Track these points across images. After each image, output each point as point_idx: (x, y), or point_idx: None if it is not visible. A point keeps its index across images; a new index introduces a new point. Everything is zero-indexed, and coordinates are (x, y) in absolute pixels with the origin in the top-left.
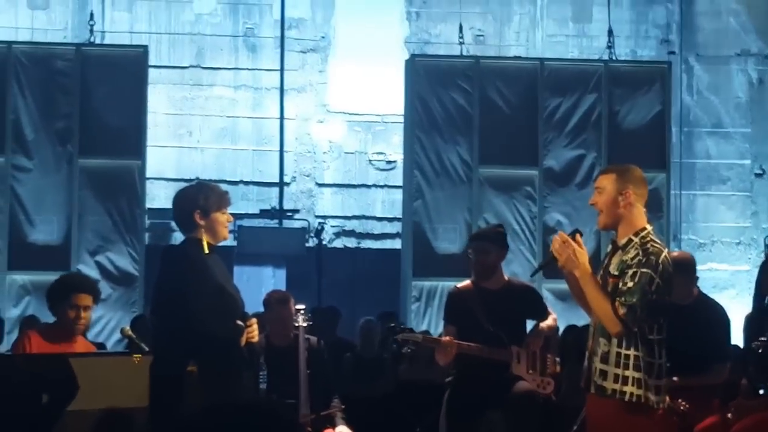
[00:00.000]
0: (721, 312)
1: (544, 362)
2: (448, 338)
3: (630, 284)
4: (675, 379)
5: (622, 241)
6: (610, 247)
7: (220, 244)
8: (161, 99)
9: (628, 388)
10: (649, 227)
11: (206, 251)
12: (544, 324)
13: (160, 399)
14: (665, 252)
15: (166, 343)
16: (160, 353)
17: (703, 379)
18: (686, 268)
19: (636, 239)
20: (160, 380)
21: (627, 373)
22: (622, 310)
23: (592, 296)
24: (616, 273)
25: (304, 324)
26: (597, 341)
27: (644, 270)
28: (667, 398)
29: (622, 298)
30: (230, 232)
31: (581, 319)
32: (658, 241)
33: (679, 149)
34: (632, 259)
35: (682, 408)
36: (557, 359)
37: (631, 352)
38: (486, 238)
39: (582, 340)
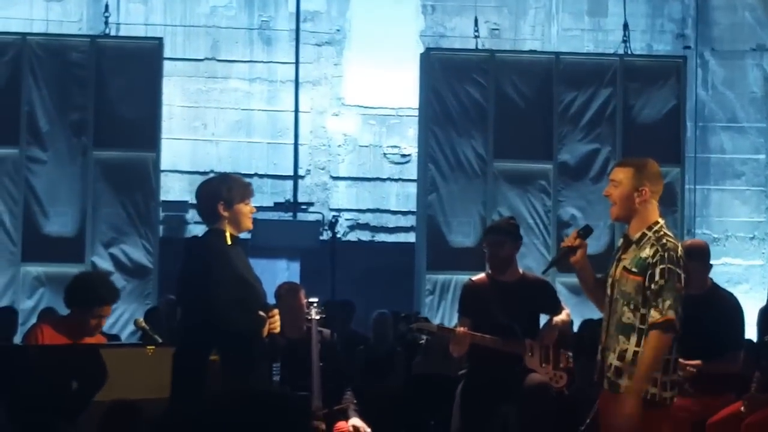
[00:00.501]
0: (735, 302)
1: (558, 356)
2: (462, 329)
3: (661, 282)
4: (698, 362)
5: (636, 236)
6: (622, 240)
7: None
8: (176, 91)
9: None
10: (661, 221)
11: (229, 242)
12: (557, 318)
13: (183, 388)
14: (680, 246)
15: (190, 333)
16: (185, 343)
17: (719, 366)
18: (700, 255)
19: (650, 233)
20: (184, 369)
21: None
22: (670, 314)
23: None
24: (635, 270)
25: (317, 317)
26: (613, 337)
27: (670, 266)
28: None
29: (661, 299)
30: None
31: (596, 312)
32: (672, 235)
33: (694, 144)
34: (653, 256)
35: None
36: (570, 354)
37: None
38: (500, 231)
39: (597, 334)
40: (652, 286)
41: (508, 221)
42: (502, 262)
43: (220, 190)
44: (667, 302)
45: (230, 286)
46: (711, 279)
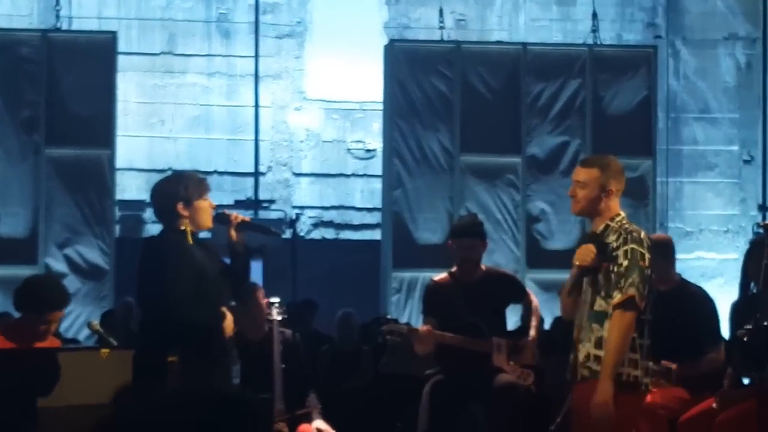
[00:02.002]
0: (706, 295)
1: (525, 353)
2: (425, 328)
3: (625, 262)
4: (673, 366)
5: (599, 228)
6: (586, 236)
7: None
8: (131, 87)
9: (624, 369)
10: (623, 213)
11: (190, 241)
12: (532, 314)
13: (143, 389)
14: (644, 232)
15: (147, 332)
16: (143, 343)
17: (698, 367)
18: (664, 249)
19: (612, 224)
20: (143, 371)
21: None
22: (630, 291)
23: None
24: (602, 257)
25: (279, 317)
26: (586, 329)
27: (632, 246)
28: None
29: (624, 279)
30: None
31: None
32: (634, 226)
33: (666, 135)
34: (616, 240)
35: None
36: (534, 351)
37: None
38: (472, 233)
39: (568, 332)
40: (616, 268)
41: (475, 221)
42: (475, 264)
43: (177, 190)
44: (629, 280)
45: (188, 281)
46: (679, 275)
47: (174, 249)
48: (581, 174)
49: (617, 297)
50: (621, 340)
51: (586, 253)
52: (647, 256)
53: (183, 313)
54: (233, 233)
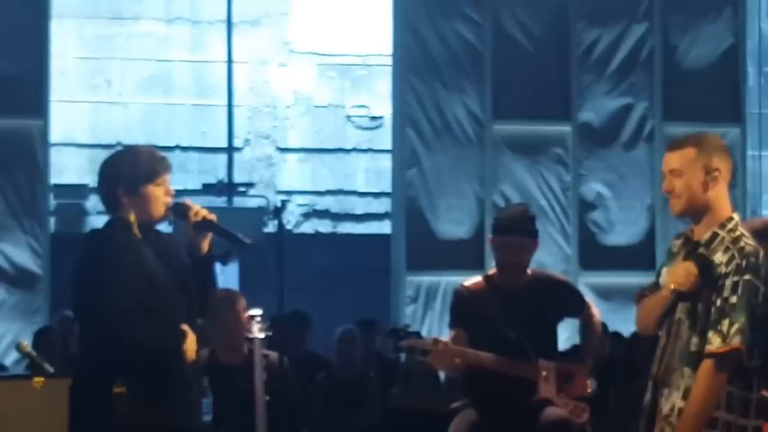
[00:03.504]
0: None
1: (578, 381)
2: (449, 341)
3: (733, 298)
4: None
5: (705, 237)
6: (680, 241)
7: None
8: (69, 38)
9: None
10: (736, 217)
11: (137, 234)
12: (594, 335)
13: (80, 430)
14: (761, 251)
15: (87, 355)
16: (81, 369)
17: None
18: None
19: (723, 233)
20: (81, 404)
21: (716, 414)
22: (735, 341)
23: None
24: (704, 281)
25: (261, 335)
26: (676, 371)
27: (747, 277)
28: None
29: (728, 321)
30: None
31: (629, 324)
32: (750, 237)
33: (758, 96)
34: (726, 264)
35: None
36: (590, 380)
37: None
38: (523, 231)
39: (632, 353)
40: (719, 302)
41: (526, 213)
42: (521, 270)
43: (120, 170)
44: (736, 325)
45: (135, 291)
46: None
47: (113, 247)
48: (673, 159)
49: (716, 342)
50: (710, 399)
51: (687, 276)
52: (762, 290)
53: (128, 331)
54: (191, 231)
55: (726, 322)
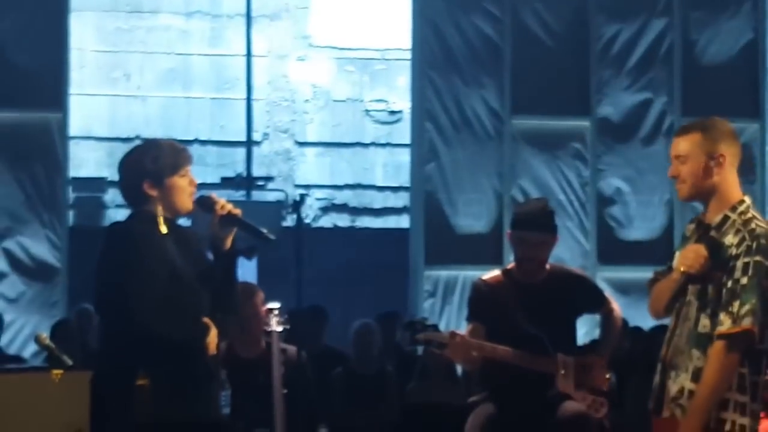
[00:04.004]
0: None
1: (596, 376)
2: (465, 334)
3: (744, 279)
4: None
5: (716, 220)
6: (693, 225)
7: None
8: (88, 31)
9: (730, 415)
10: (747, 200)
11: (164, 230)
12: (614, 330)
13: (103, 422)
14: None
15: (109, 349)
16: (103, 362)
17: None
18: None
19: (734, 215)
20: (103, 398)
21: (728, 395)
22: (747, 322)
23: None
24: (714, 263)
25: (279, 329)
26: (684, 353)
27: (757, 258)
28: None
29: (739, 302)
30: None
31: (647, 318)
32: (761, 218)
33: None
34: (737, 245)
35: None
36: (610, 375)
37: (736, 369)
38: (542, 227)
39: (652, 348)
40: (730, 283)
41: (545, 208)
42: (540, 265)
43: (144, 163)
44: (746, 306)
45: (159, 285)
46: None
47: (139, 240)
48: (680, 145)
49: (726, 323)
50: (721, 381)
51: (696, 257)
52: None
53: (152, 324)
54: (216, 225)
55: (737, 304)
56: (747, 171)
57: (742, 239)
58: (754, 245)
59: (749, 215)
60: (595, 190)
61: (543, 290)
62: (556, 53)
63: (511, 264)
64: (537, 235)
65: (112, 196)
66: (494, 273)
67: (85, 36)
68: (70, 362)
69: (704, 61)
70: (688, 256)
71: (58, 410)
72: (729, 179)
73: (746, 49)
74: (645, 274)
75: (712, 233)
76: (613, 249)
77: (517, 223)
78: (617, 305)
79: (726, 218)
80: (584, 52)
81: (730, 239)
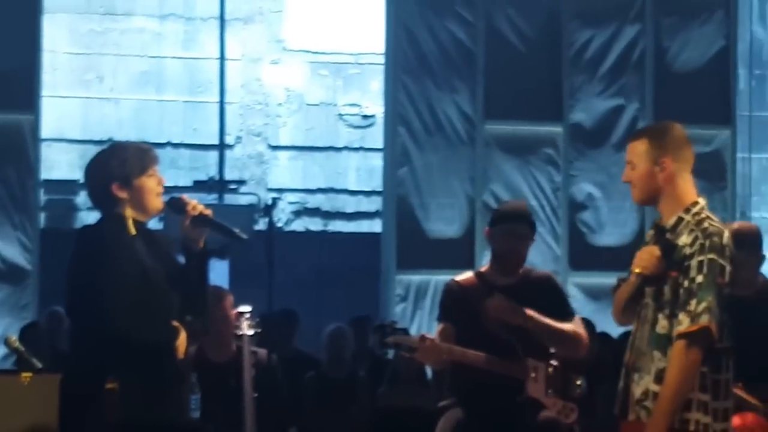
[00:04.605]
0: None
1: (567, 381)
2: (435, 337)
3: (699, 278)
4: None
5: (670, 222)
6: (653, 231)
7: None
8: (61, 33)
9: (693, 415)
10: (701, 201)
11: (133, 231)
12: (566, 345)
13: (72, 425)
14: (726, 233)
15: (79, 351)
16: (73, 365)
17: None
18: (750, 243)
19: (687, 216)
20: (72, 400)
21: (690, 395)
22: (704, 319)
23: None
24: (669, 263)
25: (250, 332)
26: (646, 354)
27: (711, 256)
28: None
29: (695, 300)
30: None
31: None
32: (715, 219)
33: (749, 98)
34: (690, 245)
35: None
36: (580, 381)
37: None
38: (528, 220)
39: (621, 353)
40: (686, 283)
41: (526, 206)
42: (520, 260)
43: (111, 166)
44: (703, 304)
45: (130, 287)
46: (762, 276)
47: (109, 243)
48: (630, 150)
49: (685, 323)
50: (683, 381)
51: (649, 258)
52: (728, 269)
53: (121, 327)
54: (187, 226)
55: (694, 302)
56: (718, 177)
57: (696, 238)
58: (708, 243)
59: (703, 215)
60: (566, 195)
61: (515, 293)
62: (529, 59)
63: (484, 267)
64: (521, 226)
65: (84, 198)
66: (467, 275)
67: (57, 38)
68: (39, 365)
69: (676, 67)
70: (642, 258)
71: (27, 413)
72: (679, 183)
73: (718, 56)
74: (625, 277)
75: (667, 235)
76: (584, 254)
77: (499, 218)
78: (581, 329)
79: (680, 220)
80: (557, 58)
81: (684, 239)
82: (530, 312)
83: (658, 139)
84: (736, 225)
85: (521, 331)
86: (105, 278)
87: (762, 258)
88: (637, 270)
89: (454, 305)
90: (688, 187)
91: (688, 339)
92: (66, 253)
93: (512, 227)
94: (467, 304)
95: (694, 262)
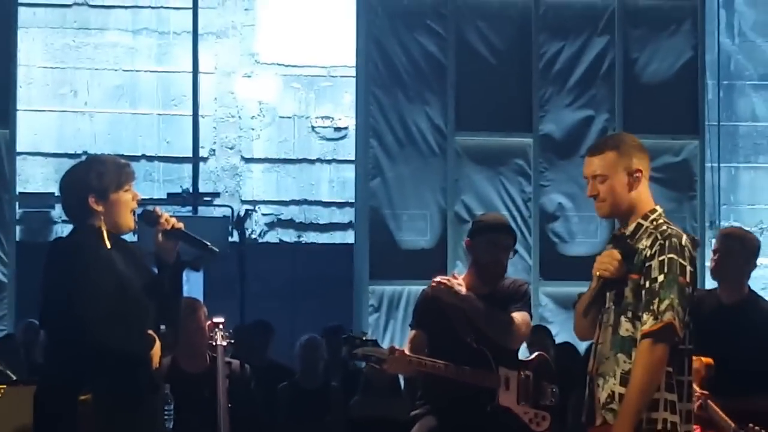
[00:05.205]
0: None
1: (539, 390)
2: (404, 350)
3: (660, 277)
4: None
5: (630, 229)
6: (611, 240)
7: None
8: (36, 47)
9: (660, 414)
10: (659, 209)
11: (108, 244)
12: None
13: None
14: (685, 236)
15: (53, 363)
16: (47, 376)
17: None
18: (750, 248)
19: (646, 223)
20: (47, 412)
21: (657, 395)
22: (668, 316)
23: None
24: (630, 267)
25: (224, 343)
26: (610, 359)
27: (671, 256)
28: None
29: (658, 300)
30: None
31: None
32: (674, 225)
33: (717, 109)
34: (650, 247)
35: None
36: (554, 388)
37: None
38: (510, 232)
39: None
40: (648, 284)
41: (506, 219)
42: (502, 271)
43: (89, 179)
44: (665, 302)
45: (103, 295)
46: (749, 286)
47: (84, 253)
48: (594, 164)
49: (649, 322)
50: (649, 380)
51: (610, 261)
52: (689, 269)
53: (97, 338)
54: (160, 239)
55: (656, 301)
56: (687, 187)
57: (655, 239)
58: (667, 244)
59: (661, 221)
60: (537, 205)
61: (492, 303)
62: (499, 71)
63: (462, 276)
64: (506, 238)
65: (60, 211)
66: None
67: (32, 52)
68: (13, 377)
69: (645, 78)
70: (602, 261)
71: (2, 424)
72: (644, 192)
73: (686, 67)
74: (587, 289)
75: (627, 241)
76: (555, 264)
77: (485, 228)
78: (524, 323)
79: (639, 226)
80: (527, 70)
81: (643, 243)
82: (467, 293)
83: (626, 149)
84: (727, 229)
85: (493, 341)
86: (81, 290)
87: (754, 267)
88: (597, 273)
89: (428, 313)
90: (647, 195)
91: (652, 337)
92: (41, 264)
93: (496, 238)
94: (440, 313)
95: (654, 263)
